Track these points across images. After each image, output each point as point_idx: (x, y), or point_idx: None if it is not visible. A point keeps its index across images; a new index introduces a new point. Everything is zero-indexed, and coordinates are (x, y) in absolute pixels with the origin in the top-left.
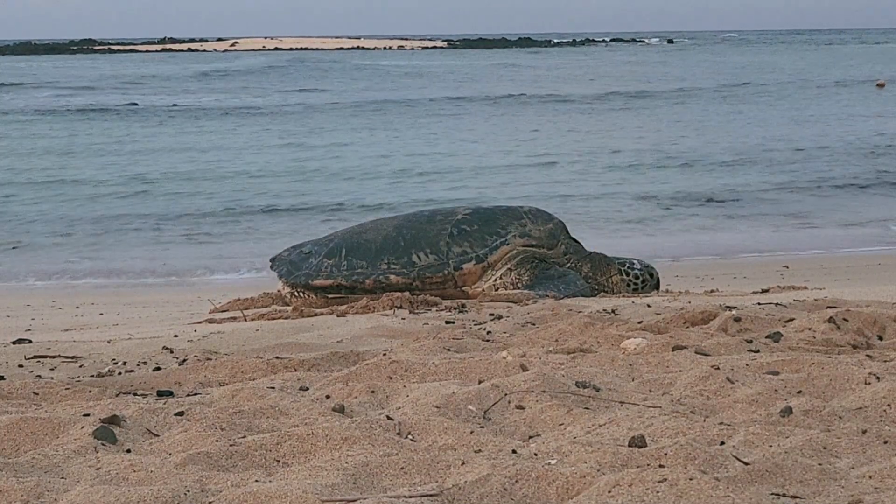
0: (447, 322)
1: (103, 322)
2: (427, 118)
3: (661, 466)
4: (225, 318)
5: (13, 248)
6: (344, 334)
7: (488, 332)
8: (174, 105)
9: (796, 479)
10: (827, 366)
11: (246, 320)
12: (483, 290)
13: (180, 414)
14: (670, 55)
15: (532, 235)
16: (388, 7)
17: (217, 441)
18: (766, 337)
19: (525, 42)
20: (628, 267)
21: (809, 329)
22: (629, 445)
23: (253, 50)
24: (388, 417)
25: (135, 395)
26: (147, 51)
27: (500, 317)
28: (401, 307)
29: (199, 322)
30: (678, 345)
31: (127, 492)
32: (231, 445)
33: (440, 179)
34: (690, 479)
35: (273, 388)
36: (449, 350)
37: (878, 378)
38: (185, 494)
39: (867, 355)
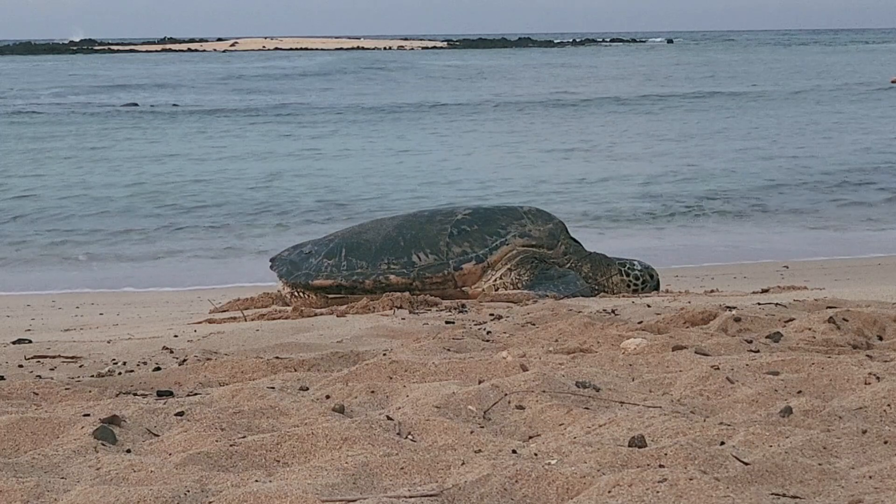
0: (447, 322)
1: (103, 322)
2: (560, 121)
3: (661, 466)
4: (225, 318)
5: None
6: (344, 334)
7: (488, 333)
8: (305, 103)
9: (796, 479)
10: (827, 366)
11: (246, 320)
12: (483, 290)
13: (180, 414)
14: (699, 54)
15: (532, 235)
16: (388, 7)
17: (217, 441)
18: (766, 337)
19: (525, 42)
20: (629, 267)
21: (809, 329)
22: (629, 445)
23: (253, 50)
24: (388, 417)
25: (135, 395)
26: (147, 51)
27: (500, 317)
28: (401, 307)
29: (199, 322)
30: (678, 345)
31: (127, 492)
32: (231, 445)
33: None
34: (690, 479)
35: (273, 388)
36: (449, 350)
37: (878, 378)
38: (185, 494)
39: (867, 355)
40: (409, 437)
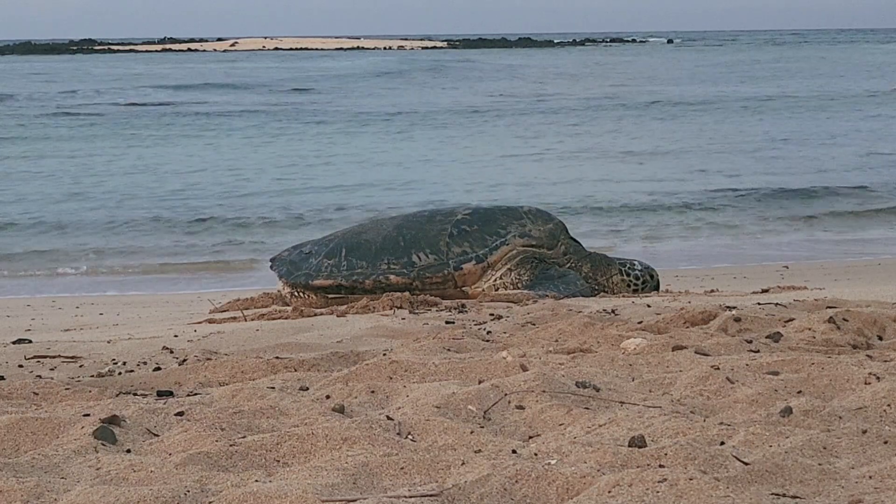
0: (447, 322)
1: (103, 322)
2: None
3: (661, 466)
4: (225, 318)
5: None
6: (344, 334)
7: (488, 332)
8: (422, 103)
9: (796, 479)
10: (827, 366)
11: (246, 320)
12: (483, 290)
13: (180, 414)
14: (708, 54)
15: (532, 235)
16: (388, 7)
17: (217, 441)
18: (766, 337)
19: (525, 42)
20: (629, 267)
21: (809, 329)
22: (629, 445)
23: (253, 50)
24: (388, 417)
25: (135, 395)
26: (147, 51)
27: (500, 317)
28: (401, 307)
29: (199, 322)
30: (678, 345)
31: (127, 492)
32: (231, 445)
33: None
34: (690, 479)
35: (273, 388)
36: (449, 350)
37: (878, 378)
38: (185, 494)
39: (867, 355)
40: (409, 437)
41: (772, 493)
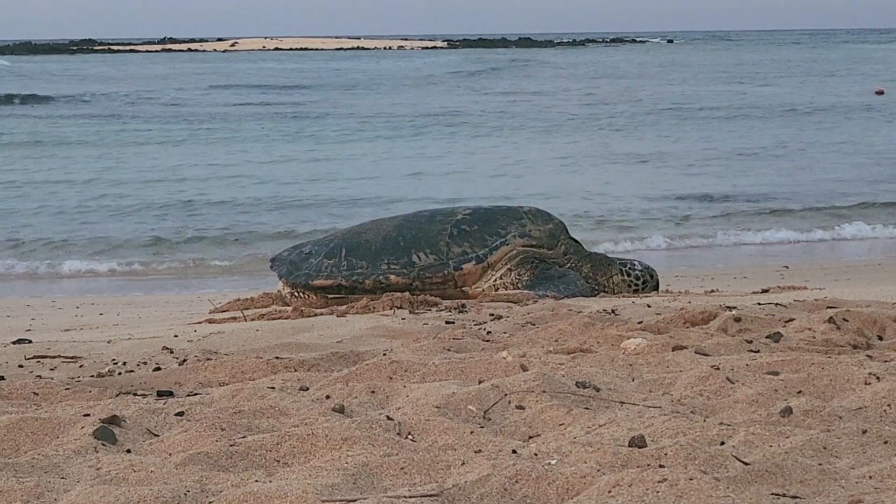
0: (447, 322)
1: (103, 322)
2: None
3: (661, 466)
4: (225, 318)
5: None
6: (344, 334)
7: (488, 333)
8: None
9: (796, 479)
10: (827, 366)
11: (246, 320)
12: (483, 290)
13: (180, 414)
14: (722, 54)
15: (532, 236)
16: (388, 7)
17: (217, 441)
18: (766, 337)
19: (525, 42)
20: (629, 267)
21: (809, 329)
22: (629, 445)
23: (253, 50)
24: (389, 417)
25: (135, 395)
26: (147, 51)
27: (500, 317)
28: (401, 307)
29: (199, 322)
30: (678, 345)
31: (127, 492)
32: (231, 445)
33: None
34: (690, 479)
35: (273, 388)
36: (449, 350)
37: (878, 378)
38: (185, 494)
39: (867, 355)
40: (409, 437)
41: (772, 493)
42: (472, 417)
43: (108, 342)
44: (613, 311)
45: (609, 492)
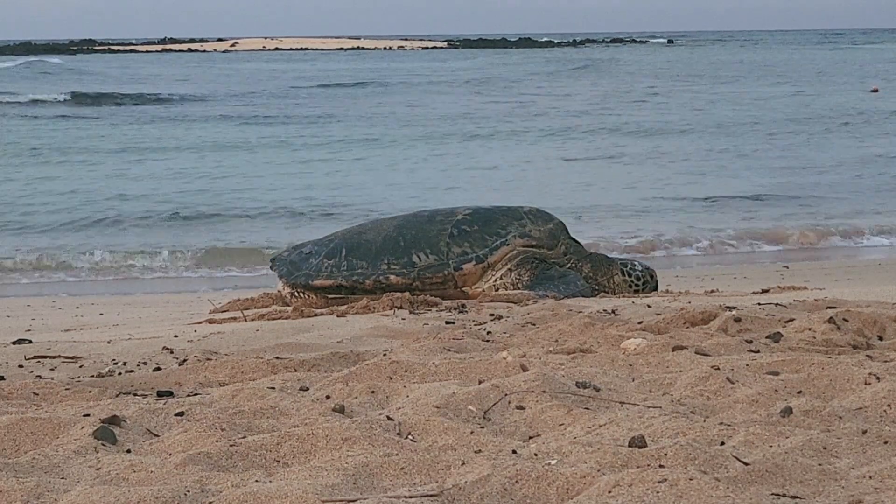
0: (447, 322)
1: (103, 322)
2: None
3: (661, 466)
4: (225, 318)
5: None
6: (344, 334)
7: (488, 333)
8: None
9: (796, 479)
10: (827, 366)
11: (246, 320)
12: (483, 290)
13: (180, 414)
14: (738, 53)
15: (532, 236)
16: (388, 7)
17: (217, 441)
18: (766, 337)
19: (525, 42)
20: (630, 267)
21: (809, 329)
22: (629, 445)
23: (253, 50)
24: (389, 418)
25: (135, 395)
26: (147, 51)
27: (500, 317)
28: (401, 307)
29: (199, 322)
30: (678, 345)
31: (127, 492)
32: (231, 445)
33: None
34: (690, 480)
35: (273, 388)
36: (449, 350)
37: (878, 378)
38: (185, 494)
39: (867, 355)
40: (409, 437)
41: (772, 493)
42: (472, 417)
43: (108, 342)
44: (613, 312)
45: (609, 492)
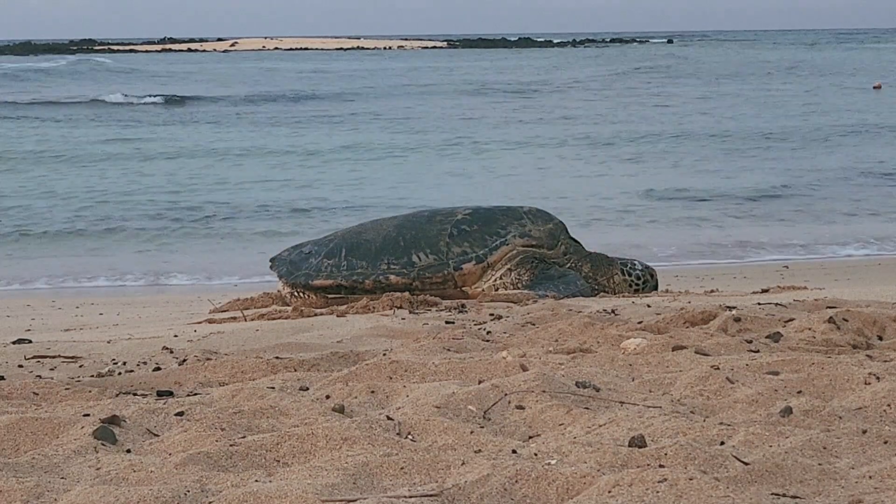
0: (447, 322)
1: (103, 322)
2: None
3: (661, 466)
4: (225, 318)
5: None
6: (344, 334)
7: (488, 333)
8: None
9: (796, 479)
10: (827, 366)
11: (246, 320)
12: (483, 290)
13: (180, 414)
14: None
15: (532, 235)
16: (388, 7)
17: (217, 441)
18: (766, 337)
19: (525, 42)
20: (630, 267)
21: (809, 329)
22: (629, 445)
23: (253, 50)
24: (388, 417)
25: (135, 395)
26: (147, 51)
27: (500, 317)
28: (401, 307)
29: (199, 322)
30: (678, 345)
31: (127, 492)
32: (231, 445)
33: None
34: (690, 479)
35: (273, 388)
36: (449, 350)
37: (878, 378)
38: (185, 494)
39: (867, 355)
40: (409, 437)
41: (772, 493)
42: (472, 417)
43: (108, 342)
44: (613, 311)
45: (609, 492)
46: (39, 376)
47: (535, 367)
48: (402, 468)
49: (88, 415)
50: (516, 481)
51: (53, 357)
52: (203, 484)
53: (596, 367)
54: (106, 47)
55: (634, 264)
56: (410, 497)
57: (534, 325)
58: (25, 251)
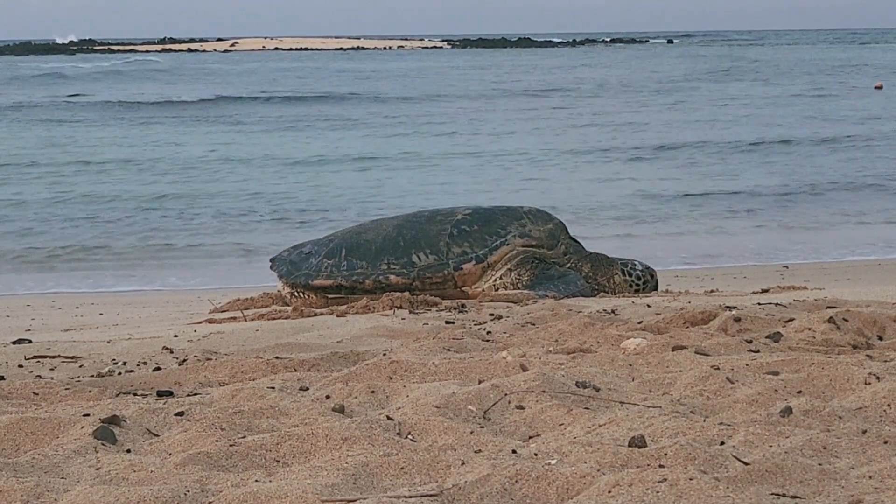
0: (447, 322)
1: (103, 322)
2: None
3: (661, 466)
4: (225, 318)
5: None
6: (344, 334)
7: (488, 333)
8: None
9: (796, 479)
10: (827, 366)
11: (246, 320)
12: (483, 290)
13: (180, 414)
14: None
15: (532, 235)
16: (388, 7)
17: (217, 441)
18: (766, 337)
19: (525, 42)
20: (630, 267)
21: (809, 329)
22: (629, 445)
23: (253, 50)
24: (388, 417)
25: (135, 395)
26: (147, 51)
27: (500, 317)
28: (401, 307)
29: (199, 322)
30: (678, 345)
31: (127, 492)
32: (231, 445)
33: None
34: (690, 479)
35: (273, 388)
36: (449, 350)
37: (878, 378)
38: (185, 494)
39: (867, 355)
40: (409, 437)
41: (772, 493)
42: (472, 417)
43: (108, 342)
44: (613, 311)
45: (609, 492)
46: (39, 376)
47: (535, 367)
48: (402, 468)
49: (88, 415)
50: (516, 481)
51: (53, 357)
52: (203, 484)
53: (596, 367)
54: (106, 47)
55: (635, 264)
56: (410, 497)
57: (534, 325)
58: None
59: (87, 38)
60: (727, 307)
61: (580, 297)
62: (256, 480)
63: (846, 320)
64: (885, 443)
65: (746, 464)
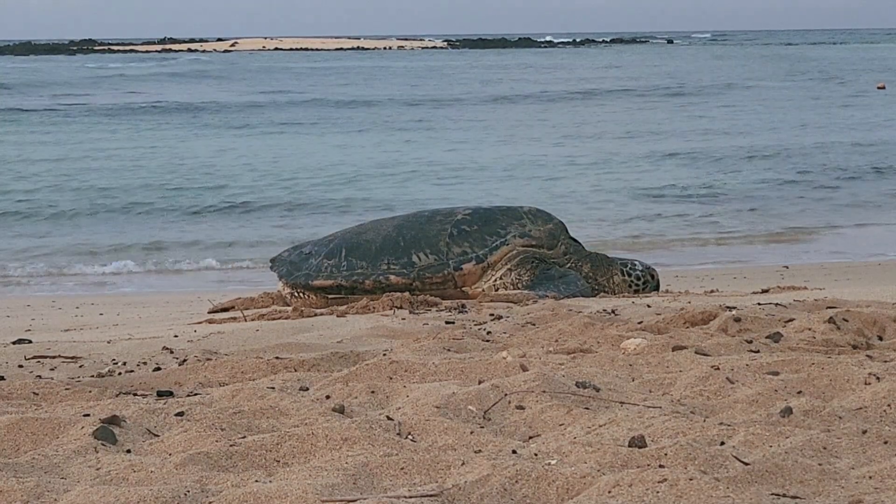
0: (447, 322)
1: (103, 322)
2: None
3: (661, 466)
4: (225, 318)
5: None
6: (344, 334)
7: (488, 333)
8: None
9: (796, 479)
10: (827, 366)
11: (246, 320)
12: (483, 290)
13: (180, 414)
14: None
15: (532, 235)
16: (388, 7)
17: (217, 441)
18: (766, 337)
19: (525, 42)
20: (630, 267)
21: (809, 329)
22: (629, 445)
23: (253, 50)
24: (389, 417)
25: (135, 395)
26: (147, 51)
27: (500, 317)
28: (401, 307)
29: (199, 322)
30: (678, 345)
31: (127, 492)
32: (231, 445)
33: None
34: (690, 480)
35: (273, 388)
36: (449, 350)
37: (878, 378)
38: (185, 494)
39: (867, 355)
40: (409, 437)
41: (772, 493)
42: (472, 417)
43: (108, 342)
44: (613, 311)
45: (609, 492)
46: (39, 376)
47: (535, 367)
48: (402, 468)
49: (88, 415)
50: (516, 481)
51: (53, 357)
52: (203, 484)
53: (596, 367)
54: (106, 47)
55: (635, 265)
56: (410, 497)
57: (534, 325)
58: None
59: (87, 38)
60: (727, 307)
61: (580, 298)
62: (256, 480)
63: (846, 320)
64: (885, 443)
65: (746, 464)
